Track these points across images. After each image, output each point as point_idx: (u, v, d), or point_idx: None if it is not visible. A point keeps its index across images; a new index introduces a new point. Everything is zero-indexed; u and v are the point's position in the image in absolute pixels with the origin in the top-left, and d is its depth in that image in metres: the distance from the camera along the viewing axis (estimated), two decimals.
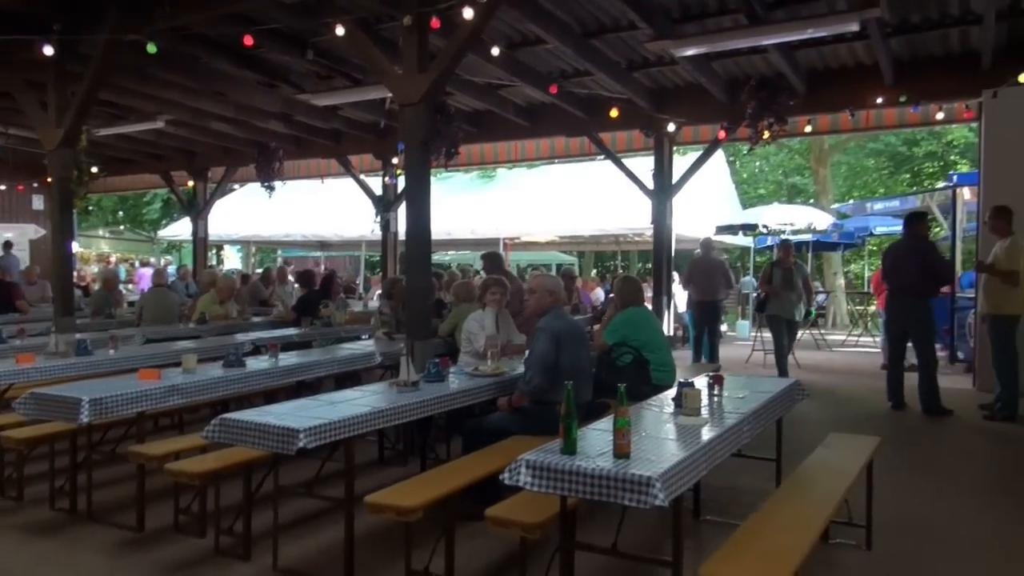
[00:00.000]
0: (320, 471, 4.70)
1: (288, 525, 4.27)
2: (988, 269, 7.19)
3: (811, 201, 21.74)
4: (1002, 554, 4.07)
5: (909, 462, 5.80)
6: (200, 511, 4.22)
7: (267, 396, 5.86)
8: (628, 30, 7.71)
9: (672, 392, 3.94)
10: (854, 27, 6.46)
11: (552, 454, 2.88)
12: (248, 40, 6.94)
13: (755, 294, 15.91)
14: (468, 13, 5.33)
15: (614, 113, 9.11)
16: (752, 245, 16.50)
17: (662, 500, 2.59)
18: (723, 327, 13.73)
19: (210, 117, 10.80)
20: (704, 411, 3.66)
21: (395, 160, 11.41)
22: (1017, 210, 7.28)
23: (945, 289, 11.05)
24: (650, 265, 15.26)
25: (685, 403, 3.54)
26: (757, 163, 27.50)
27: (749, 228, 13.94)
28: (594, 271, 25.61)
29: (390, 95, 7.66)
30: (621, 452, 2.81)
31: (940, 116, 8.80)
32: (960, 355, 10.47)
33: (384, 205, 12.21)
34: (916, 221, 7.77)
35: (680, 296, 12.70)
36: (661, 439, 3.21)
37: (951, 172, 13.90)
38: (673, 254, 10.99)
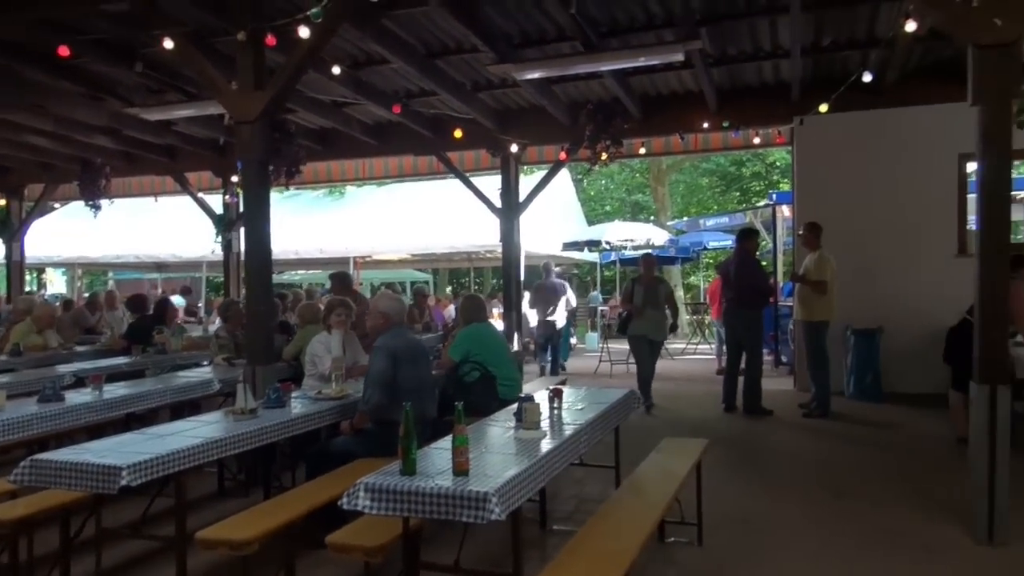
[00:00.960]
0: (148, 509, 4.42)
1: (113, 570, 3.98)
2: (800, 279, 7.90)
3: (651, 218, 22.98)
4: (818, 540, 4.46)
5: (737, 460, 6.24)
6: (11, 562, 3.86)
7: (92, 432, 5.43)
8: (471, 52, 7.86)
9: (515, 407, 4.04)
10: (679, 57, 6.92)
11: (391, 476, 2.88)
12: (64, 51, 6.47)
13: (602, 307, 16.61)
14: (304, 32, 5.25)
15: (458, 134, 9.24)
16: (598, 260, 17.20)
17: (498, 514, 2.65)
18: (572, 340, 14.22)
19: (26, 131, 9.95)
20: (544, 424, 3.78)
21: (235, 178, 10.97)
22: (826, 226, 8.05)
23: (770, 299, 12.02)
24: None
25: (525, 417, 3.64)
26: (603, 181, 28.71)
27: (593, 244, 14.53)
28: (449, 288, 25.71)
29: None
30: (460, 469, 2.86)
31: (757, 140, 9.59)
32: (784, 359, 11.40)
33: (225, 224, 11.69)
34: (746, 238, 8.46)
35: (531, 313, 13.09)
36: (501, 454, 3.28)
37: (771, 191, 15.15)
38: (523, 271, 11.27)
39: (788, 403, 8.35)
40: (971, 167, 8.26)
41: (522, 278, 11.21)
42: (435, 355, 6.34)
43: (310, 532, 3.64)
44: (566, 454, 3.52)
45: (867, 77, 7.55)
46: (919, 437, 6.90)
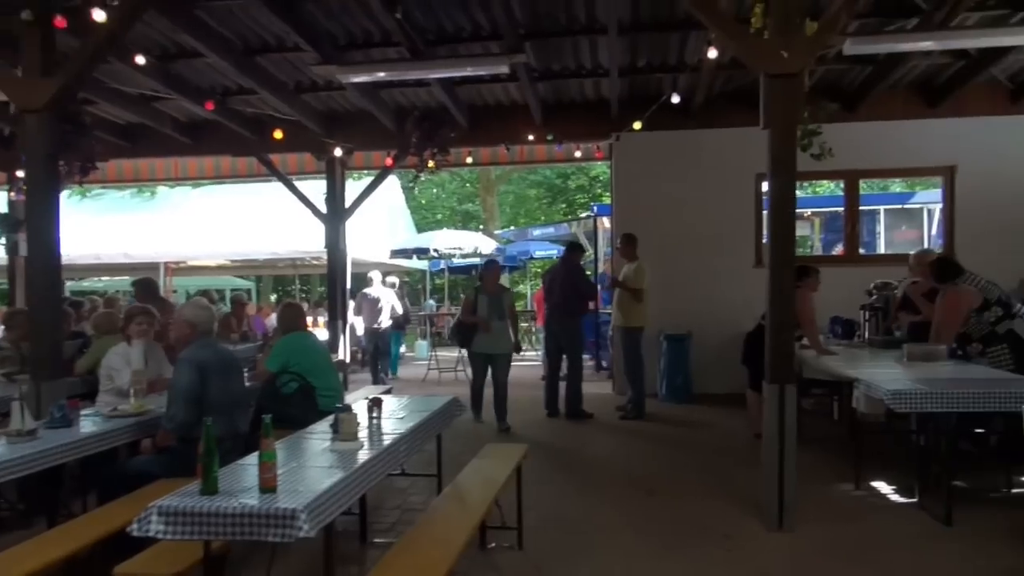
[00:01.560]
0: None
1: None
2: (621, 285, 8.30)
3: (481, 227, 23.30)
4: (632, 537, 4.66)
5: (558, 463, 6.42)
6: None
7: None
8: (293, 51, 7.57)
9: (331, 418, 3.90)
10: (505, 69, 7.04)
11: (189, 497, 2.67)
12: None
13: (432, 314, 16.57)
14: (100, 15, 4.81)
15: (278, 135, 8.86)
16: (428, 268, 17.18)
17: (307, 531, 2.53)
18: (402, 348, 14.08)
19: None
20: (363, 434, 3.67)
21: (20, 173, 9.86)
22: (641, 237, 8.50)
23: (592, 306, 12.50)
24: None
25: (341, 428, 3.52)
26: (434, 190, 28.77)
27: (422, 252, 14.48)
28: (274, 296, 24.65)
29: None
30: (267, 486, 2.70)
31: (578, 154, 9.98)
32: (604, 364, 11.91)
33: (10, 225, 10.47)
34: (572, 251, 8.80)
35: (359, 322, 12.84)
36: (314, 468, 3.14)
37: (594, 204, 15.85)
38: (349, 278, 11.01)
39: (607, 406, 8.72)
40: (766, 186, 9.06)
41: (348, 286, 10.94)
42: (250, 366, 6.00)
43: (102, 564, 3.29)
44: (384, 464, 3.44)
45: (675, 99, 8.08)
46: (723, 435, 7.43)
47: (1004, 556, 4.24)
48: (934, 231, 12.96)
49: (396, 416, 4.10)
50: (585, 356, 11.91)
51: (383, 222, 14.96)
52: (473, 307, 7.85)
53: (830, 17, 4.85)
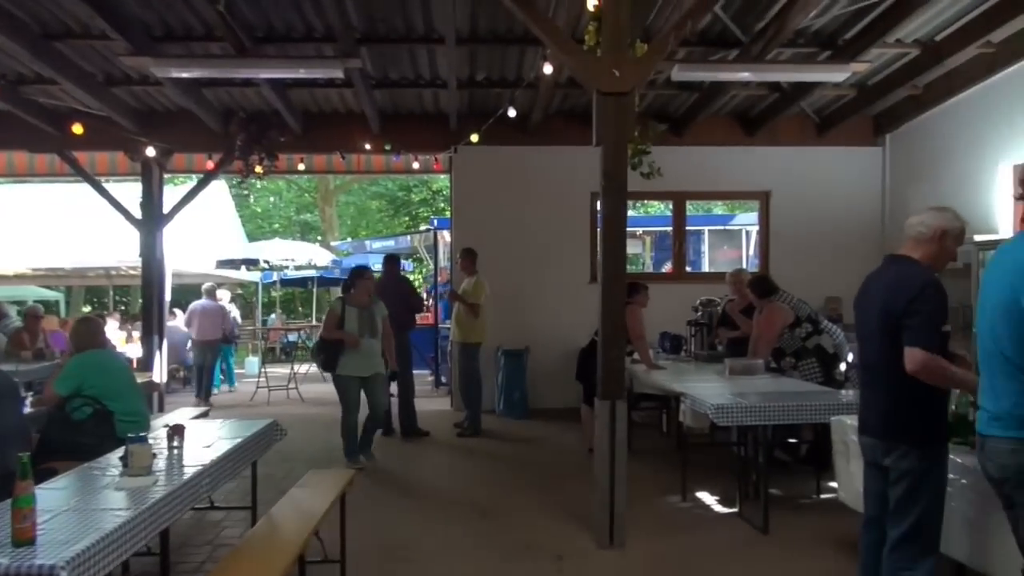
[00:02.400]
0: None
1: None
2: (459, 298, 8.15)
3: (319, 238, 22.51)
4: (462, 560, 4.48)
5: (390, 486, 6.14)
6: None
7: None
8: (100, 39, 6.86)
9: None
10: (339, 74, 6.72)
11: None
12: None
13: (283, 336, 15.64)
14: None
15: (78, 129, 7.98)
16: (259, 281, 16.28)
17: None
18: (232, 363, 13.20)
19: None
20: (160, 466, 3.25)
21: None
22: (481, 252, 8.41)
23: (429, 320, 12.31)
24: None
25: (131, 461, 3.09)
26: (271, 199, 27.51)
27: (251, 263, 13.69)
28: (88, 308, 22.48)
29: None
30: (22, 538, 2.27)
31: (417, 166, 9.77)
32: (443, 380, 11.72)
33: None
34: (389, 262, 8.52)
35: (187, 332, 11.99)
36: (93, 510, 2.71)
37: (434, 217, 15.70)
38: (168, 290, 10.15)
39: (445, 423, 8.53)
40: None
41: (168, 297, 10.08)
42: (38, 389, 5.28)
43: None
44: (182, 501, 3.05)
45: (512, 113, 8.08)
46: (559, 450, 7.45)
47: (817, 559, 4.45)
48: (751, 252, 13.90)
49: (202, 444, 3.69)
50: (424, 372, 11.72)
51: (209, 231, 14.00)
52: (339, 321, 6.67)
53: (660, 40, 4.97)
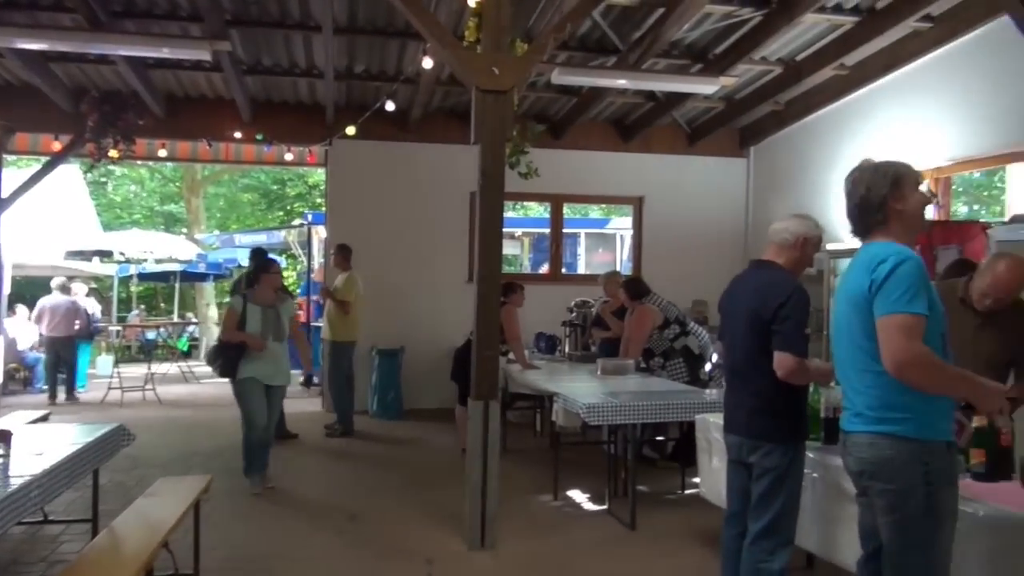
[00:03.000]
0: None
1: None
2: (330, 295, 7.90)
3: (184, 230, 21.33)
4: (328, 570, 4.30)
5: (252, 492, 5.83)
6: None
7: None
8: None
9: None
10: (206, 56, 6.33)
11: None
12: None
13: (140, 333, 14.61)
14: None
15: None
16: (116, 274, 15.20)
17: None
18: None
19: None
20: None
21: None
22: (357, 248, 8.18)
23: (301, 319, 11.88)
24: None
25: None
26: (132, 188, 25.79)
27: (104, 255, 12.75)
28: None
29: None
30: None
31: (290, 157, 9.39)
32: (315, 380, 11.33)
33: None
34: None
35: (23, 333, 11.04)
36: None
37: (307, 211, 15.20)
38: (9, 282, 9.28)
39: (316, 425, 8.23)
40: None
41: (6, 291, 9.21)
42: None
43: None
44: (6, 515, 2.73)
45: (389, 106, 7.91)
46: (432, 451, 7.34)
47: (681, 553, 4.58)
48: (625, 255, 14.30)
49: (34, 452, 3.34)
50: (296, 372, 11.28)
51: (58, 219, 12.93)
52: (240, 321, 5.80)
53: (540, 41, 4.98)
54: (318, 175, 22.02)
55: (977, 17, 6.08)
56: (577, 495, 5.78)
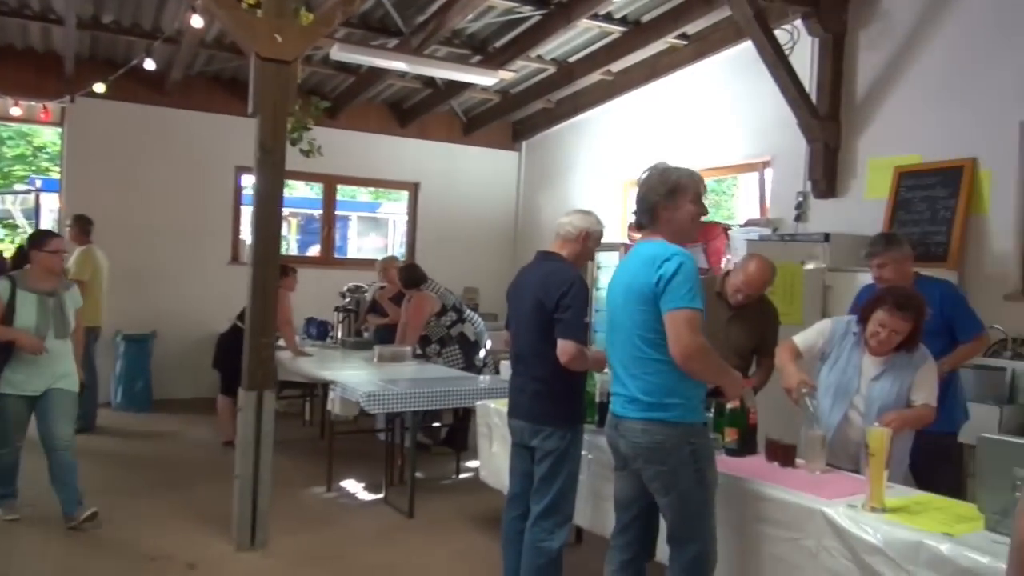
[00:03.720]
0: None
1: None
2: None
3: None
4: None
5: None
6: None
7: None
8: None
9: None
10: None
11: None
12: None
13: None
14: None
15: None
16: None
17: None
18: None
19: None
20: None
21: None
22: (100, 221, 7.28)
23: None
24: None
25: None
26: None
27: None
28: None
29: None
30: None
31: (17, 112, 8.07)
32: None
33: None
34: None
35: None
36: None
37: (32, 176, 13.29)
38: None
39: None
40: (246, 180, 8.65)
41: None
42: None
43: None
44: None
45: (149, 65, 7.10)
46: (189, 445, 6.77)
47: (458, 540, 4.64)
48: (398, 240, 14.22)
49: None
50: None
51: None
52: (7, 313, 4.36)
53: (327, 12, 4.74)
54: (48, 137, 19.34)
55: (725, 40, 6.80)
56: (352, 485, 5.65)
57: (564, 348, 3.20)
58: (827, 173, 6.01)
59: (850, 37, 5.98)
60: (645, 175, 2.81)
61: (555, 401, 3.30)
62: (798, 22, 5.94)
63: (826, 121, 5.94)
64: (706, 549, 2.69)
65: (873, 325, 3.06)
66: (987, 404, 4.35)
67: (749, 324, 3.86)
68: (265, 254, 4.41)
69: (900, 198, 5.48)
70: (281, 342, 6.44)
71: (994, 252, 4.99)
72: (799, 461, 3.11)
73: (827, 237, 5.28)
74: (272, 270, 4.46)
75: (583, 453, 3.51)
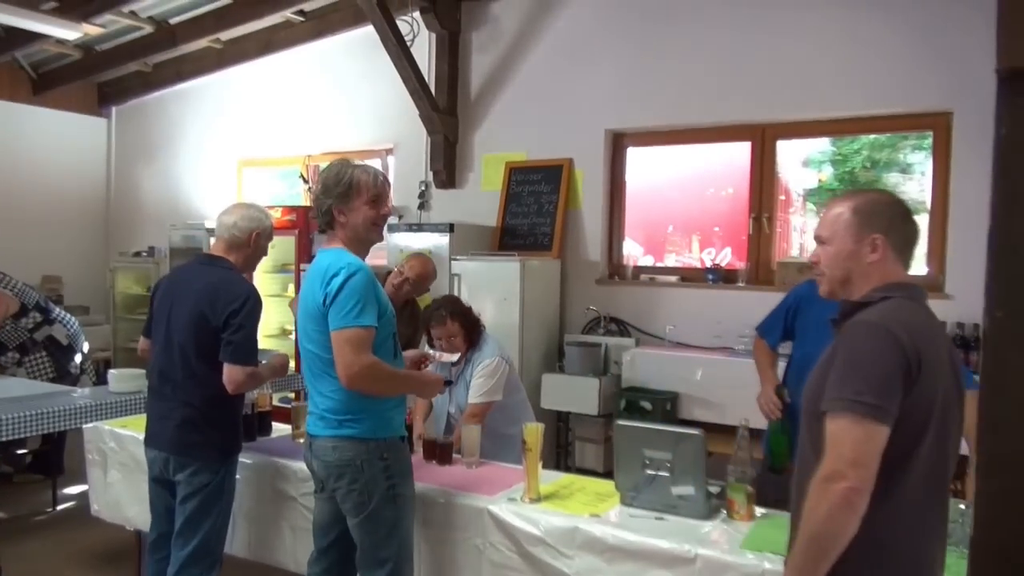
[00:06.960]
0: None
1: None
2: None
3: None
4: None
5: None
6: None
7: None
8: None
9: None
10: None
11: None
12: None
13: None
14: None
15: None
16: None
17: None
18: None
19: None
20: None
21: None
22: None
23: None
24: None
25: None
26: None
27: None
28: None
29: None
30: None
31: None
32: None
33: None
34: None
35: None
36: None
37: None
38: None
39: None
40: None
41: None
42: None
43: None
44: None
45: None
46: None
47: None
48: None
49: None
50: None
51: None
52: None
53: None
54: None
55: (345, 21, 6.68)
56: None
57: (232, 375, 2.84)
58: (447, 165, 6.32)
59: (464, 37, 6.32)
60: (323, 171, 2.61)
61: (209, 430, 2.90)
62: (417, 14, 6.07)
63: (445, 115, 6.22)
64: (400, 569, 2.56)
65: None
66: (587, 376, 5.04)
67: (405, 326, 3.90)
68: None
69: (511, 192, 6.02)
70: None
71: (587, 242, 5.77)
72: (456, 456, 3.23)
73: (452, 228, 5.56)
74: None
75: (251, 476, 3.19)
